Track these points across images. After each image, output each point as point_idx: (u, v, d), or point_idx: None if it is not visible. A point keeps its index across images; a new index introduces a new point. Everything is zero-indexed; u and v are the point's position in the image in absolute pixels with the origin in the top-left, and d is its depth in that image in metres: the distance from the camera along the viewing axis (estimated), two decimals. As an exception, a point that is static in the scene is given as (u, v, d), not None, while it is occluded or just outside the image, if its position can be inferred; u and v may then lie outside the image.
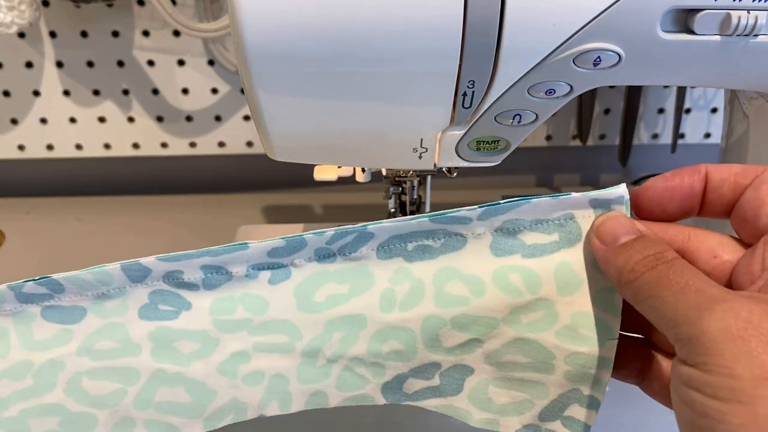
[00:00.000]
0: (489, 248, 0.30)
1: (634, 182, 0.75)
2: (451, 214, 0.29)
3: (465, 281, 0.30)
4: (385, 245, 0.30)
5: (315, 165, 0.51)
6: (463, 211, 0.29)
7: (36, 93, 0.69)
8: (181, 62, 0.67)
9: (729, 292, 0.23)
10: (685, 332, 0.22)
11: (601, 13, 0.30)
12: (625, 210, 0.28)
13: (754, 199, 0.26)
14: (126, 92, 0.69)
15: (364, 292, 0.30)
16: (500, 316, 0.29)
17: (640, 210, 0.28)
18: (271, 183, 0.76)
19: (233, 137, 0.72)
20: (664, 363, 0.29)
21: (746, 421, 0.20)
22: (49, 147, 0.72)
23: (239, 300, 0.30)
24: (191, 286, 0.30)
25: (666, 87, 0.69)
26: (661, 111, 0.71)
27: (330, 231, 0.29)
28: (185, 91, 0.69)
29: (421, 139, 0.35)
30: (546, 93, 0.33)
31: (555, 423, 0.31)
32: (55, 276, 0.29)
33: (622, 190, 0.28)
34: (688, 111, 0.70)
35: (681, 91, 0.66)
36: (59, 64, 0.67)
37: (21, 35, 0.66)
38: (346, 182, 0.51)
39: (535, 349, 0.29)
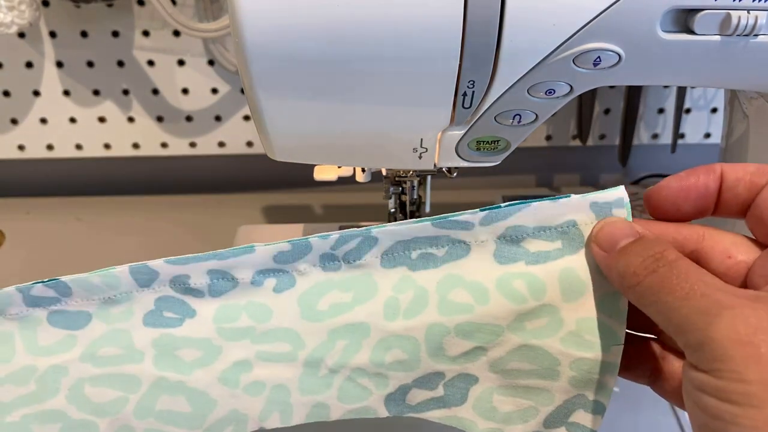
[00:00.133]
0: (492, 256, 0.29)
1: (634, 182, 0.76)
2: (453, 218, 0.29)
3: (468, 289, 0.29)
4: (389, 253, 0.30)
5: (315, 165, 0.51)
6: (466, 215, 0.29)
7: (36, 93, 0.69)
8: (181, 62, 0.67)
9: (735, 295, 0.23)
10: (693, 339, 0.22)
11: (601, 13, 0.30)
12: (626, 213, 0.28)
13: None
14: (126, 92, 0.69)
15: (367, 300, 0.30)
16: (505, 323, 0.29)
17: (654, 209, 0.28)
18: (271, 183, 0.76)
19: (233, 137, 0.72)
20: (676, 364, 0.29)
21: (759, 423, 0.20)
22: (49, 147, 0.72)
23: (244, 308, 0.30)
24: (197, 293, 0.30)
25: (666, 87, 0.69)
26: (661, 111, 0.71)
27: (335, 234, 0.29)
28: (185, 91, 0.69)
29: (421, 139, 0.35)
30: (546, 93, 0.33)
31: (560, 429, 0.30)
32: (63, 278, 0.29)
33: (621, 192, 0.28)
34: (688, 111, 0.71)
35: (681, 91, 0.66)
36: (59, 64, 0.67)
37: (21, 35, 0.66)
38: (346, 182, 0.51)
39: (540, 356, 0.29)
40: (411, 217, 0.51)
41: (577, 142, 0.72)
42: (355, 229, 0.30)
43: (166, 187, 0.77)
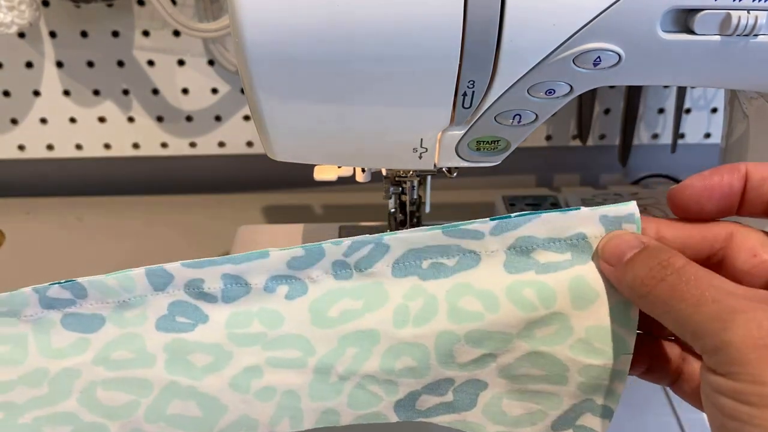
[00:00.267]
0: (503, 266, 0.30)
1: (634, 182, 0.76)
2: (463, 227, 0.29)
3: (478, 296, 0.30)
4: (400, 262, 0.30)
5: (315, 165, 0.51)
6: (476, 224, 0.29)
7: (36, 93, 0.69)
8: (181, 62, 0.67)
9: (748, 298, 0.23)
10: (709, 344, 0.22)
11: (601, 13, 0.30)
12: (635, 227, 0.28)
13: None
14: (126, 92, 0.69)
15: (378, 307, 0.30)
16: (514, 331, 0.29)
17: (677, 209, 0.28)
18: (271, 183, 0.76)
19: (233, 137, 0.72)
20: (695, 365, 0.29)
21: None
22: (49, 147, 0.72)
23: (256, 314, 0.30)
24: (210, 298, 0.30)
25: (666, 87, 0.69)
26: (661, 111, 0.71)
27: (347, 241, 0.30)
28: (185, 91, 0.69)
29: (421, 139, 0.35)
30: (546, 93, 0.33)
31: (567, 431, 0.31)
32: (80, 280, 0.29)
33: (632, 207, 0.28)
34: (688, 111, 0.71)
35: (681, 91, 0.66)
36: (59, 64, 0.67)
37: (21, 35, 0.66)
38: (346, 182, 0.51)
39: (549, 362, 0.29)
40: (411, 217, 0.51)
41: (577, 142, 0.72)
42: (368, 235, 0.30)
43: (166, 187, 0.77)
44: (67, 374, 0.30)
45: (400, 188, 0.48)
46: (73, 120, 0.70)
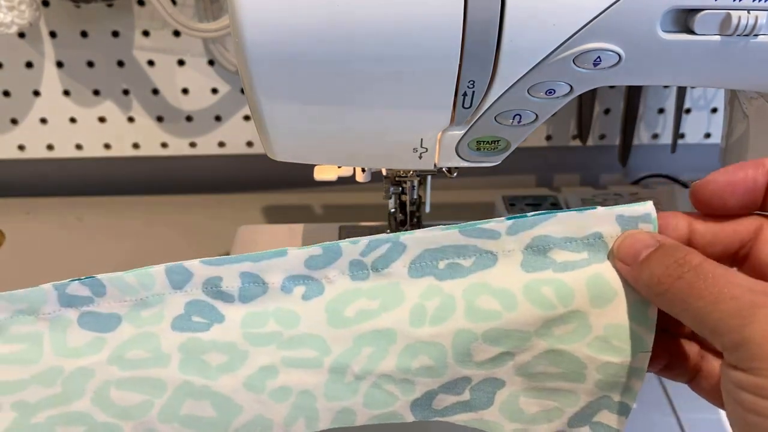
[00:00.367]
0: (519, 266, 0.30)
1: (635, 182, 0.76)
2: (480, 226, 0.29)
3: (496, 295, 0.30)
4: (417, 262, 0.30)
5: (315, 165, 0.51)
6: (492, 223, 0.29)
7: (36, 93, 0.69)
8: (181, 62, 0.67)
9: (767, 294, 0.23)
10: (730, 340, 0.23)
11: (601, 13, 0.30)
12: (652, 228, 0.28)
13: None
14: (126, 92, 0.69)
15: (394, 307, 0.30)
16: (532, 329, 0.29)
17: (700, 204, 0.28)
18: (271, 183, 0.76)
19: (233, 137, 0.72)
20: (715, 363, 0.29)
21: None
22: (49, 147, 0.72)
23: (272, 314, 0.30)
24: (228, 297, 0.30)
25: (666, 87, 0.69)
26: (661, 111, 0.71)
27: (364, 240, 0.30)
28: (185, 91, 0.69)
29: (421, 139, 0.35)
30: (546, 93, 0.33)
31: (583, 428, 0.31)
32: (99, 276, 0.29)
33: (649, 206, 0.28)
34: (688, 111, 0.71)
35: (681, 91, 0.66)
36: (59, 64, 0.67)
37: (21, 35, 0.66)
38: (346, 182, 0.51)
39: (567, 360, 0.29)
40: (411, 217, 0.51)
41: (577, 142, 0.72)
42: (384, 234, 0.30)
43: (166, 187, 0.77)
44: (81, 374, 0.30)
45: (400, 188, 0.48)
46: (73, 120, 0.70)
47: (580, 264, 0.29)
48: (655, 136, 0.72)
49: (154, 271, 0.29)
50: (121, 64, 0.67)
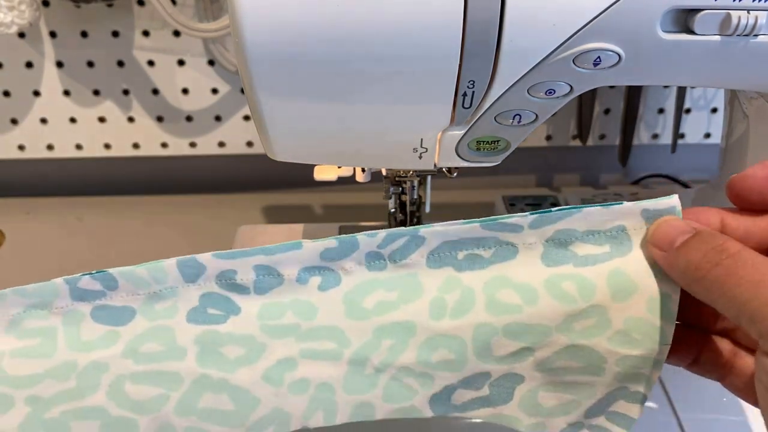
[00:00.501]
0: (540, 258, 0.30)
1: (634, 182, 0.76)
2: (502, 221, 0.29)
3: (516, 289, 0.29)
4: (435, 252, 0.30)
5: (315, 165, 0.51)
6: (516, 218, 0.29)
7: (36, 93, 0.69)
8: (181, 62, 0.67)
9: None
10: (767, 328, 0.22)
11: (601, 13, 0.30)
12: None
13: None
14: (126, 92, 0.69)
15: (413, 300, 0.30)
16: (553, 324, 0.29)
17: (737, 199, 0.28)
18: (271, 183, 0.76)
19: (233, 137, 0.72)
20: (748, 360, 0.29)
21: None
22: (49, 147, 0.72)
23: (288, 305, 0.30)
24: (242, 289, 0.30)
25: (666, 87, 0.69)
26: (661, 111, 0.71)
27: (382, 233, 0.29)
28: (185, 91, 0.69)
29: (421, 139, 0.35)
30: (546, 93, 0.33)
31: (599, 418, 0.31)
32: (111, 270, 0.29)
33: (674, 200, 0.28)
34: (688, 111, 0.70)
35: (681, 91, 0.66)
36: (59, 64, 0.67)
37: (21, 35, 0.66)
38: (346, 182, 0.51)
39: (587, 355, 0.29)
40: (411, 217, 0.51)
41: (577, 142, 0.72)
42: (402, 228, 0.30)
43: (166, 187, 0.77)
44: (95, 367, 0.30)
45: (400, 188, 0.48)
46: (73, 120, 0.70)
47: (601, 258, 0.29)
48: (655, 136, 0.72)
49: (165, 264, 0.29)
50: (121, 64, 0.67)
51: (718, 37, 0.31)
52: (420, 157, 0.36)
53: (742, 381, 0.29)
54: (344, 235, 0.30)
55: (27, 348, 0.29)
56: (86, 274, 0.29)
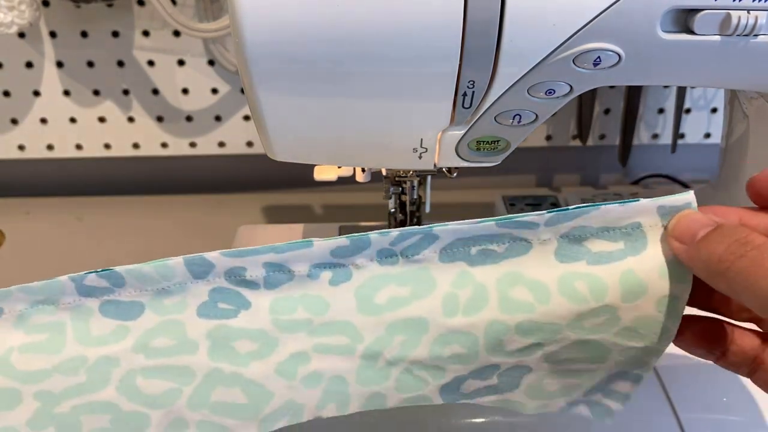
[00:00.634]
0: (554, 254, 0.30)
1: (634, 182, 0.75)
2: (518, 219, 0.29)
3: (529, 287, 0.30)
4: (448, 248, 0.30)
5: (315, 165, 0.51)
6: (532, 216, 0.29)
7: (36, 93, 0.69)
8: (181, 62, 0.67)
9: None
10: None
11: (601, 13, 0.30)
12: None
13: None
14: (126, 92, 0.69)
15: (426, 295, 0.30)
16: (564, 323, 0.30)
17: (758, 197, 0.28)
18: (271, 183, 0.76)
19: (233, 137, 0.72)
20: None
21: None
22: (49, 147, 0.72)
23: (299, 300, 0.30)
24: (252, 285, 0.30)
25: (666, 87, 0.69)
26: (661, 111, 0.71)
27: (395, 232, 0.29)
28: (185, 91, 0.69)
29: (421, 139, 0.35)
30: (546, 93, 0.33)
31: (596, 395, 0.32)
32: (117, 268, 0.29)
33: (690, 197, 0.28)
34: (688, 111, 0.70)
35: (681, 91, 0.66)
36: (59, 64, 0.67)
37: (21, 35, 0.66)
38: (346, 182, 0.51)
39: (593, 347, 0.30)
40: (411, 217, 0.51)
41: (577, 142, 0.72)
42: (416, 227, 0.30)
43: (166, 187, 0.77)
44: (105, 362, 0.29)
45: (400, 188, 0.48)
46: (73, 120, 0.70)
47: (615, 255, 0.29)
48: (655, 136, 0.72)
49: (172, 262, 0.29)
50: (121, 64, 0.67)
51: (718, 37, 0.31)
52: (420, 157, 0.36)
53: None
54: (356, 234, 0.30)
55: (35, 343, 0.29)
56: (91, 272, 0.29)
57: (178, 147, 0.72)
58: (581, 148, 0.73)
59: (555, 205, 0.65)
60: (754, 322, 0.30)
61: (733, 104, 0.47)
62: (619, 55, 0.31)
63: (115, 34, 0.65)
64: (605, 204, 0.29)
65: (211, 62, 0.67)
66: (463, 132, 0.35)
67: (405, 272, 0.30)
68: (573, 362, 0.31)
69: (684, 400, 0.44)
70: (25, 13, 0.55)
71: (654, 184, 0.74)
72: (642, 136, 0.72)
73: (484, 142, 0.35)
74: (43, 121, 0.70)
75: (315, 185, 0.63)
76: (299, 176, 0.64)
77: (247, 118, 0.71)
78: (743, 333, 0.30)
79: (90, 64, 0.67)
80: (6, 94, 0.69)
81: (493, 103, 0.33)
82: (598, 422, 0.33)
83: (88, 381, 0.29)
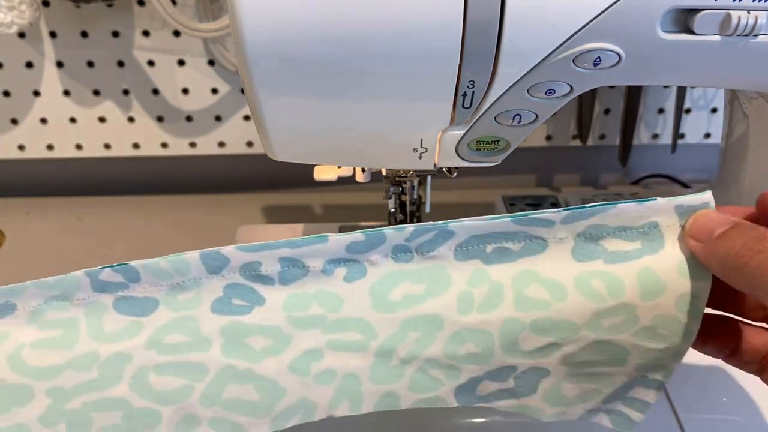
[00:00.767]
0: (570, 253, 0.30)
1: (634, 182, 0.75)
2: (534, 216, 0.29)
3: (545, 285, 0.29)
4: (463, 246, 0.30)
5: (315, 165, 0.51)
6: (548, 213, 0.29)
7: (36, 93, 0.69)
8: (181, 62, 0.67)
9: None
10: None
11: (601, 13, 0.30)
12: None
13: None
14: (126, 92, 0.69)
15: (441, 293, 0.30)
16: (581, 321, 0.29)
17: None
18: (271, 183, 0.76)
19: (233, 137, 0.72)
20: None
21: None
22: (49, 147, 0.72)
23: (314, 296, 0.30)
24: (267, 280, 0.30)
25: (666, 87, 0.69)
26: (661, 111, 0.71)
27: (410, 227, 0.29)
28: (185, 91, 0.69)
29: (421, 139, 0.35)
30: (546, 93, 0.33)
31: (616, 403, 0.31)
32: (132, 263, 0.29)
33: (707, 196, 0.28)
34: (688, 111, 0.70)
35: (681, 91, 0.66)
36: (59, 64, 0.67)
37: (21, 35, 0.66)
38: (346, 182, 0.51)
39: (612, 349, 0.30)
40: (411, 217, 0.51)
41: (577, 142, 0.72)
42: (431, 222, 0.30)
43: (166, 187, 0.77)
44: (118, 358, 0.29)
45: (400, 188, 0.48)
46: (73, 120, 0.70)
47: (632, 254, 0.29)
48: (655, 136, 0.72)
49: (188, 257, 0.29)
50: (121, 64, 0.67)
51: (718, 37, 0.31)
52: (420, 157, 0.36)
53: None
54: (371, 229, 0.30)
55: (48, 339, 0.29)
56: (106, 267, 0.29)
57: (178, 147, 0.72)
58: (581, 148, 0.73)
59: (555, 205, 0.65)
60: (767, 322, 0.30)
61: (733, 104, 0.47)
62: (619, 55, 0.31)
63: (115, 34, 0.65)
64: (622, 203, 0.29)
65: (211, 62, 0.67)
66: (463, 132, 0.35)
67: (420, 269, 0.30)
68: (591, 365, 0.30)
69: (684, 400, 0.44)
70: (25, 13, 0.55)
71: (654, 184, 0.74)
72: (642, 136, 0.72)
73: (484, 142, 0.35)
74: (43, 121, 0.70)
75: (315, 185, 0.63)
76: (299, 176, 0.64)
77: (247, 118, 0.71)
78: (755, 331, 0.30)
79: (90, 64, 0.67)
80: (6, 94, 0.69)
81: (493, 103, 0.33)
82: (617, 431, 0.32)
83: (100, 377, 0.29)
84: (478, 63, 0.31)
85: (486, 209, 0.72)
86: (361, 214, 0.69)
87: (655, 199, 0.29)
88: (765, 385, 0.30)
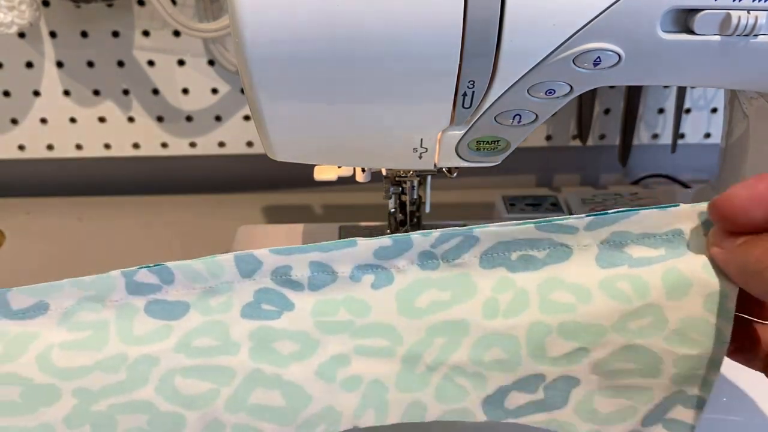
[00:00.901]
0: (595, 260, 0.29)
1: (634, 182, 0.75)
2: (557, 222, 0.29)
3: (570, 290, 0.29)
4: (489, 253, 0.30)
5: (315, 165, 0.51)
6: (571, 219, 0.29)
7: (36, 93, 0.69)
8: (181, 62, 0.67)
9: None
10: None
11: (601, 13, 0.30)
12: None
13: None
14: (126, 92, 0.69)
15: (466, 300, 0.30)
16: (608, 323, 0.29)
17: (724, 220, 0.27)
18: (271, 183, 0.76)
19: (233, 137, 0.72)
20: None
21: None
22: (49, 147, 0.72)
23: (341, 302, 0.30)
24: (296, 285, 0.30)
25: (666, 87, 0.69)
26: (661, 111, 0.71)
27: (436, 232, 0.29)
28: (185, 91, 0.69)
29: (421, 139, 0.35)
30: (546, 93, 0.33)
31: (656, 426, 0.30)
32: (168, 264, 0.29)
33: None
34: (688, 111, 0.70)
35: (681, 91, 0.66)
36: (59, 64, 0.67)
37: (21, 35, 0.66)
38: (346, 182, 0.51)
39: (643, 355, 0.29)
40: (411, 217, 0.51)
41: (577, 142, 0.72)
42: (457, 228, 0.30)
43: (166, 187, 0.77)
44: (145, 361, 0.29)
45: (400, 188, 0.48)
46: (73, 120, 0.70)
47: (656, 260, 0.29)
48: (655, 136, 0.72)
49: (222, 259, 0.29)
50: (121, 64, 0.67)
51: (718, 37, 0.31)
52: (420, 157, 0.36)
53: None
54: (399, 234, 0.30)
55: (77, 340, 0.29)
56: (142, 267, 0.29)
57: (178, 147, 0.72)
58: (581, 148, 0.73)
59: (555, 205, 0.65)
60: None
61: (733, 104, 0.47)
62: (619, 55, 0.31)
63: (115, 34, 0.65)
64: (645, 209, 0.29)
65: (211, 62, 0.67)
66: (463, 132, 0.35)
67: (446, 277, 0.30)
68: (623, 375, 0.29)
69: (684, 400, 0.44)
70: (25, 13, 0.55)
71: (654, 184, 0.74)
72: (642, 136, 0.72)
73: (484, 142, 0.35)
74: (43, 121, 0.70)
75: (315, 185, 0.63)
76: (299, 176, 0.64)
77: (247, 118, 0.71)
78: (758, 328, 0.30)
79: (90, 64, 0.67)
80: (6, 94, 0.69)
81: (493, 103, 0.33)
82: None
83: (127, 379, 0.29)
84: (478, 63, 0.31)
85: (486, 209, 0.72)
86: (361, 214, 0.69)
87: (678, 205, 0.28)
88: (765, 385, 0.30)
